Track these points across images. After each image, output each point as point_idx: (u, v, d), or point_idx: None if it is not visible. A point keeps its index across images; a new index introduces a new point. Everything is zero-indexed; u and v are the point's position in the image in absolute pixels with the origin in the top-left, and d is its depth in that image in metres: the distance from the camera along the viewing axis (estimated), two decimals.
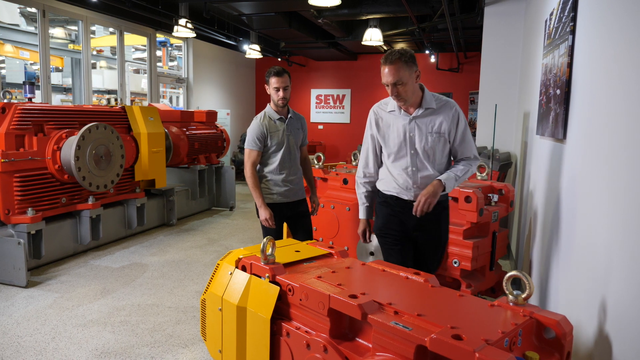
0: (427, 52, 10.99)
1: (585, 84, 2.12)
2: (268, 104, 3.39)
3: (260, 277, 2.00)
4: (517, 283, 1.64)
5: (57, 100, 9.60)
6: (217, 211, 7.79)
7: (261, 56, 10.29)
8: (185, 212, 7.18)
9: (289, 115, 3.39)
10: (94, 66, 10.42)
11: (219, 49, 11.26)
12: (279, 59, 11.93)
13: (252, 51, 9.76)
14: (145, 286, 4.25)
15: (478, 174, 3.86)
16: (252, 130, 3.29)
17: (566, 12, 2.58)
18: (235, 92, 12.33)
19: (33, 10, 6.89)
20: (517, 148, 5.52)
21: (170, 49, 12.00)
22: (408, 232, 2.63)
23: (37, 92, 6.75)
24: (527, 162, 4.42)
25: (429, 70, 11.48)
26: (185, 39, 10.15)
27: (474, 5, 7.23)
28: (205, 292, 2.22)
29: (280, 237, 3.41)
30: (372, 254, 3.75)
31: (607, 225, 1.63)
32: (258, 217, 3.30)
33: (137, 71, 11.84)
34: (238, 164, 10.88)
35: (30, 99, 4.87)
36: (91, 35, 8.04)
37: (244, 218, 7.30)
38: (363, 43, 8.00)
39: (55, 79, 9.40)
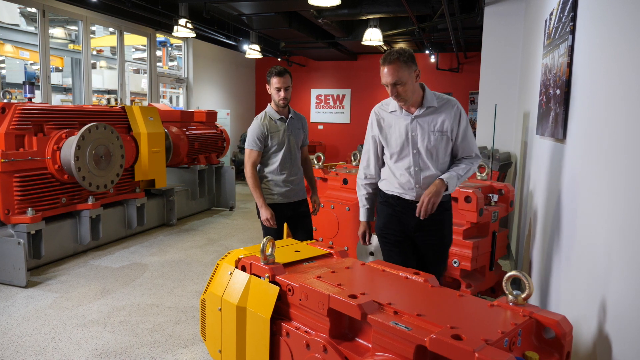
0: (427, 52, 10.99)
1: (585, 84, 2.12)
2: (269, 104, 3.38)
3: (260, 277, 2.00)
4: (516, 283, 1.64)
5: (57, 100, 9.60)
6: (217, 211, 7.79)
7: (261, 56, 10.29)
8: (185, 212, 7.18)
9: (290, 116, 3.38)
10: (94, 66, 10.42)
11: (219, 49, 11.26)
12: (279, 59, 11.93)
13: (252, 51, 9.76)
14: (145, 286, 4.25)
15: (478, 174, 3.86)
16: (253, 130, 3.28)
17: (566, 12, 2.58)
18: (235, 92, 12.33)
19: (33, 10, 6.90)
20: (517, 148, 5.52)
21: (170, 49, 11.99)
22: (409, 233, 2.61)
23: (37, 92, 6.75)
24: (527, 162, 4.42)
25: (429, 70, 11.48)
26: (185, 39, 10.15)
27: (474, 5, 7.23)
28: (205, 292, 2.22)
29: (281, 238, 3.40)
30: (372, 254, 3.75)
31: (607, 225, 1.63)
32: (259, 217, 3.29)
33: (137, 71, 11.84)
34: (238, 164, 10.88)
35: (30, 99, 4.87)
36: (91, 35, 8.04)
37: (244, 218, 7.30)
38: (363, 43, 8.00)
39: (55, 79, 9.40)
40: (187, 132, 7.20)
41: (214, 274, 2.22)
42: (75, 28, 8.94)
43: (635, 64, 1.44)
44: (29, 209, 4.40)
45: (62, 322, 3.49)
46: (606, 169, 1.69)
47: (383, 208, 2.68)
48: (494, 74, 6.07)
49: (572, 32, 2.43)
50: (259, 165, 3.35)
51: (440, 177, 2.48)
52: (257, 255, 2.12)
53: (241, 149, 11.23)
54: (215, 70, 11.31)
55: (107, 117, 5.49)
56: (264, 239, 2.01)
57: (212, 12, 8.13)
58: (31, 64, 8.92)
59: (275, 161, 3.31)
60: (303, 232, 3.46)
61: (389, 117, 2.60)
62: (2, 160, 4.22)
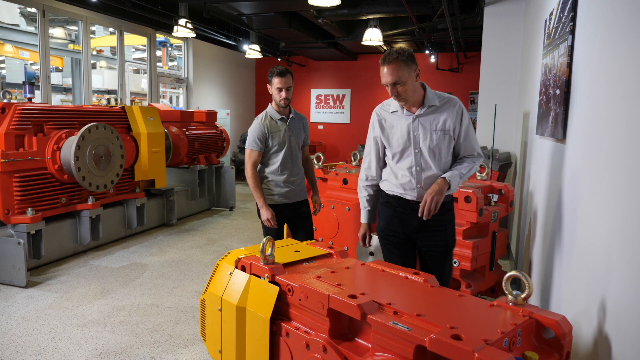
0: (427, 52, 10.99)
1: (585, 84, 2.11)
2: (270, 104, 3.37)
3: (259, 277, 2.00)
4: (516, 283, 1.64)
5: (57, 100, 9.60)
6: (217, 211, 7.79)
7: (261, 56, 10.29)
8: (185, 212, 7.18)
9: (291, 116, 3.37)
10: (94, 66, 10.42)
11: (219, 49, 11.26)
12: (279, 59, 11.93)
13: (252, 51, 9.76)
14: (145, 286, 4.25)
15: (478, 174, 3.86)
16: (253, 130, 3.27)
17: (566, 12, 2.58)
18: (235, 92, 12.33)
19: (33, 10, 6.90)
20: (517, 148, 5.52)
21: (170, 49, 11.99)
22: (411, 234, 2.59)
23: (37, 92, 6.75)
24: (527, 162, 4.42)
25: (429, 70, 11.48)
26: (185, 39, 10.15)
27: (473, 5, 7.23)
28: (204, 292, 2.22)
29: (281, 238, 3.40)
30: (371, 254, 3.74)
31: (607, 225, 1.63)
32: (259, 217, 3.29)
33: (137, 71, 11.84)
34: (238, 164, 10.88)
35: (30, 99, 4.87)
36: (91, 35, 8.04)
37: (243, 218, 7.30)
38: (363, 43, 8.00)
39: (55, 79, 9.40)
40: (187, 132, 7.20)
41: (213, 274, 2.22)
42: (75, 28, 8.95)
43: (635, 64, 1.44)
44: (29, 209, 4.40)
45: (62, 322, 3.49)
46: (606, 169, 1.69)
47: (384, 209, 2.66)
48: (494, 74, 6.07)
49: (572, 32, 2.43)
50: (259, 165, 3.35)
51: (442, 175, 2.45)
52: (256, 255, 2.12)
53: (241, 149, 11.23)
54: (215, 70, 11.31)
55: (107, 117, 5.49)
56: (264, 239, 2.01)
57: (212, 12, 8.13)
58: (31, 64, 8.93)
59: (276, 161, 3.31)
60: (303, 232, 3.45)
61: (390, 117, 2.58)
62: (2, 160, 4.22)
